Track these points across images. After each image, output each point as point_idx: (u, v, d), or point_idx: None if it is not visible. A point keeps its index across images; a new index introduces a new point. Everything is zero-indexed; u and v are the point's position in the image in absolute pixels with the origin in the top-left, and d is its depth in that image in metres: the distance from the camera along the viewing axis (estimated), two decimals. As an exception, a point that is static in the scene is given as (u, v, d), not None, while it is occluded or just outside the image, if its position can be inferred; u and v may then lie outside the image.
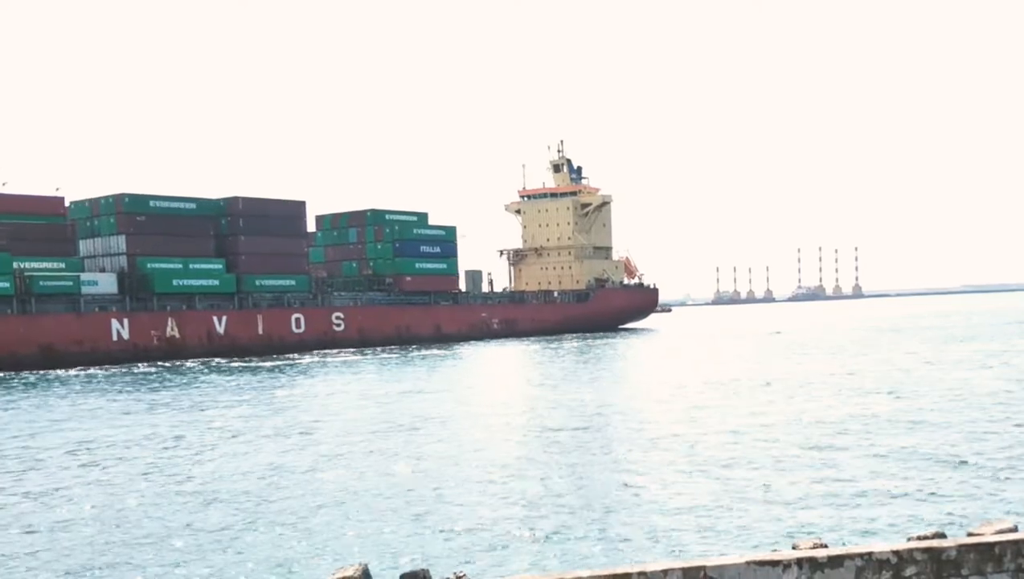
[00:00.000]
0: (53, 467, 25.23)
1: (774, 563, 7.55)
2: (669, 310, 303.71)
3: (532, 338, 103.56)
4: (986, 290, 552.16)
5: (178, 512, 19.16)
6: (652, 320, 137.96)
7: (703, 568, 7.47)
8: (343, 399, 41.96)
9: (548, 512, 18.10)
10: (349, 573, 8.35)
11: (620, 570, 7.54)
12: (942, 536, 8.46)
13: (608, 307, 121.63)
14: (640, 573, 7.43)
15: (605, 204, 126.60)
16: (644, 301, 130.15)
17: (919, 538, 8.31)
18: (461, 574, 8.85)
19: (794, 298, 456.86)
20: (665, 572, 7.46)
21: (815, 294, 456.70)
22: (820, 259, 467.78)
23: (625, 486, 20.34)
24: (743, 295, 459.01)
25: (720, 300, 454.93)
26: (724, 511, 17.69)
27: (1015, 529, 8.44)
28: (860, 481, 19.98)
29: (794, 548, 8.22)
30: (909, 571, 7.66)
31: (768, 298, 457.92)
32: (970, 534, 8.42)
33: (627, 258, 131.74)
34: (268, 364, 69.91)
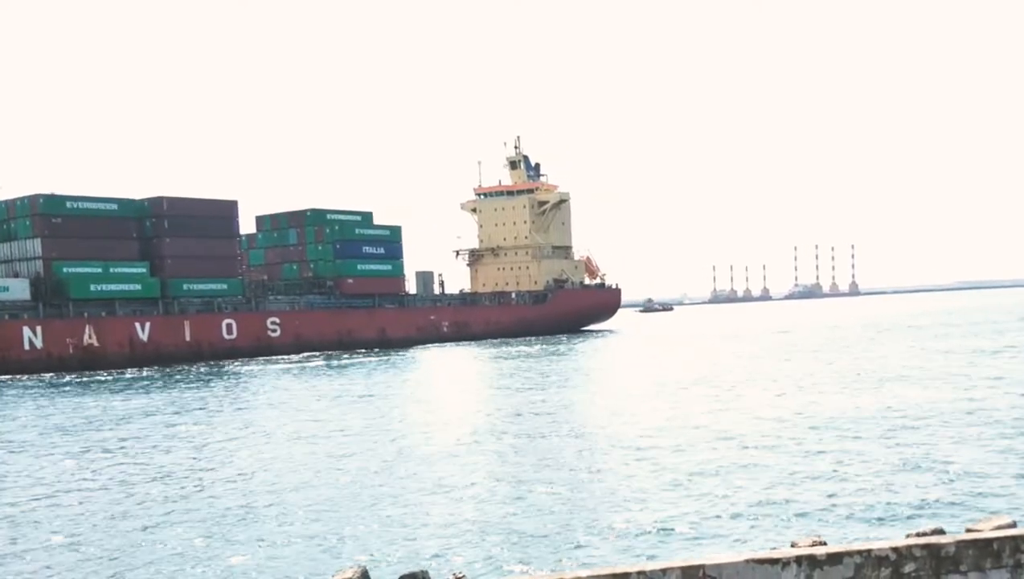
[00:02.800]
0: None
1: (773, 561, 7.50)
2: (671, 309, 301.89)
3: (485, 342, 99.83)
4: (980, 286, 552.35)
5: (171, 516, 19.03)
6: (616, 321, 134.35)
7: (702, 567, 7.38)
8: (290, 406, 40.32)
9: (543, 513, 18.12)
10: (348, 575, 8.35)
11: (619, 569, 7.41)
12: (941, 532, 8.33)
13: (567, 308, 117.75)
14: (639, 572, 7.33)
15: (563, 201, 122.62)
16: (606, 302, 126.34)
17: (918, 534, 8.25)
18: (460, 575, 8.78)
19: (791, 296, 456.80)
20: (664, 571, 7.38)
21: (812, 292, 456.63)
22: (817, 257, 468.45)
23: (615, 488, 20.13)
24: (740, 294, 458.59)
25: (717, 299, 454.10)
26: (720, 511, 17.57)
27: (1014, 525, 8.38)
28: (859, 479, 19.91)
29: (793, 546, 8.11)
30: (908, 567, 7.62)
31: (765, 296, 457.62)
32: (968, 530, 8.28)
33: (588, 257, 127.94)
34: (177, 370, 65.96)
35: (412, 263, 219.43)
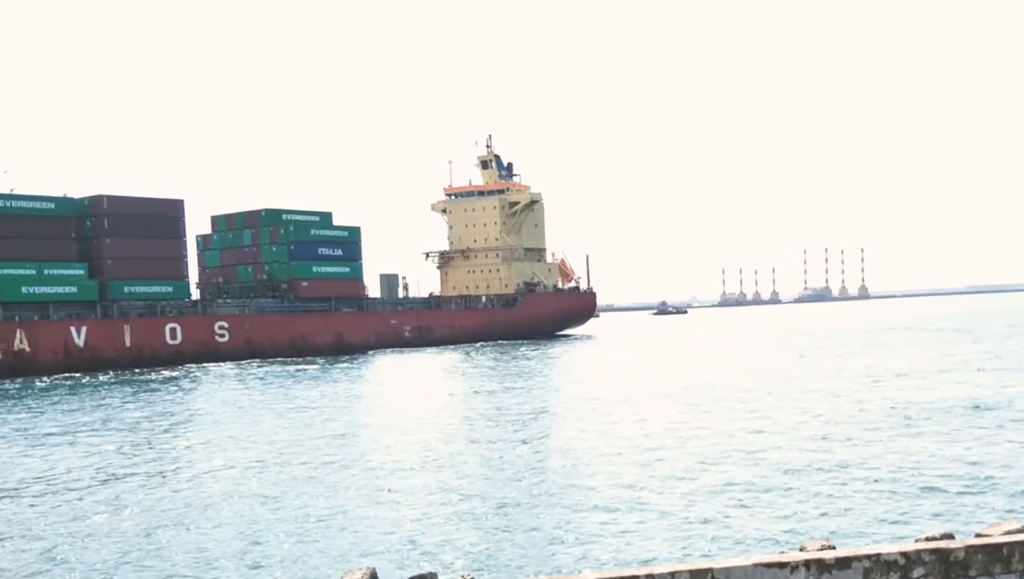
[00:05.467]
0: None
1: (781, 565, 7.44)
2: (685, 312, 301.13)
3: (449, 348, 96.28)
4: (991, 290, 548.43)
5: (178, 517, 19.07)
6: (593, 327, 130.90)
7: (710, 570, 7.34)
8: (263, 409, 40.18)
9: (549, 516, 18.22)
10: (357, 577, 8.31)
11: (627, 572, 7.38)
12: (950, 537, 8.28)
13: (537, 313, 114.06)
14: (647, 575, 7.27)
15: (535, 202, 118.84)
16: (579, 306, 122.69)
17: (927, 539, 8.21)
18: (469, 576, 8.84)
19: (800, 299, 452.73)
20: (672, 574, 7.30)
21: (821, 295, 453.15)
22: (826, 260, 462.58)
23: (621, 491, 20.13)
24: (749, 297, 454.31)
25: (726, 302, 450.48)
26: (728, 515, 17.59)
27: None
28: (867, 483, 19.92)
29: (801, 550, 8.11)
30: (917, 572, 7.54)
31: (774, 300, 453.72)
32: (978, 535, 8.19)
33: (562, 260, 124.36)
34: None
35: (379, 265, 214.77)
